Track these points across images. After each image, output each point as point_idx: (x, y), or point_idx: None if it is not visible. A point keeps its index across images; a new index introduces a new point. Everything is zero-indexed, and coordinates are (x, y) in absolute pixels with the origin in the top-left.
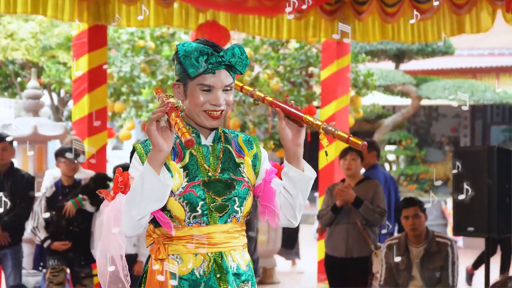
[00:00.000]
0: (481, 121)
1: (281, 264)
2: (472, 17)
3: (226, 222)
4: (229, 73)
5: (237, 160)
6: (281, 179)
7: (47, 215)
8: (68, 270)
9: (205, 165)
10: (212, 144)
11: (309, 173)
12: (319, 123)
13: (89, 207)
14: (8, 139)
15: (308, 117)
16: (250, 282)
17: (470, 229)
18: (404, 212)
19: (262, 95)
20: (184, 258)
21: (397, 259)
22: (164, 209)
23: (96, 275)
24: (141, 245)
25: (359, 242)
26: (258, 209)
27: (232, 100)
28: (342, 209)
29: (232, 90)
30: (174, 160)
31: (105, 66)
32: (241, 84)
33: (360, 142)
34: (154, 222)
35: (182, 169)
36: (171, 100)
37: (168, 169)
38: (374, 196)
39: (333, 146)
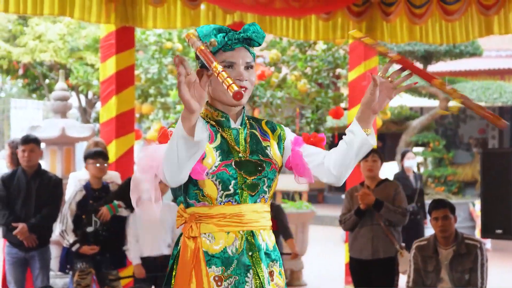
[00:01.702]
0: (510, 122)
1: (308, 265)
2: (501, 18)
3: (256, 202)
4: (249, 51)
5: (264, 143)
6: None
7: (76, 218)
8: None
9: (235, 147)
10: (240, 127)
11: (371, 140)
12: (451, 90)
13: (124, 212)
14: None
15: (439, 80)
16: (278, 262)
17: (498, 231)
18: (434, 214)
19: (385, 51)
20: (216, 236)
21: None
22: (197, 188)
23: (124, 277)
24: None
25: (384, 242)
26: (294, 173)
27: (255, 80)
28: (366, 212)
29: (254, 69)
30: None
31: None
32: (360, 35)
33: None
34: (185, 202)
35: (214, 149)
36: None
37: None
38: (395, 196)
39: None
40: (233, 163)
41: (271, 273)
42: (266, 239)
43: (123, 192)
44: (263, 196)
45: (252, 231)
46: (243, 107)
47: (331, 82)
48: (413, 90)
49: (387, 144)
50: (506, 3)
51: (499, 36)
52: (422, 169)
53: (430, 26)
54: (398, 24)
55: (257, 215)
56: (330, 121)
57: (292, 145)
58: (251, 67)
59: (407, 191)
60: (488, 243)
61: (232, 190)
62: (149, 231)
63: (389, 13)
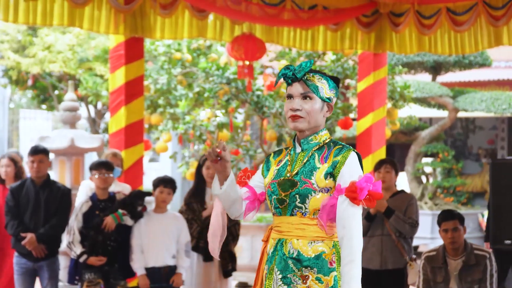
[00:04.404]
0: None
1: None
2: (510, 29)
3: (292, 215)
4: (306, 83)
5: (317, 165)
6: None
7: (83, 230)
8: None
9: (288, 168)
10: (301, 151)
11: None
12: None
13: (129, 221)
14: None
15: None
16: (315, 269)
17: (508, 241)
18: (443, 226)
19: None
20: (270, 240)
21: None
22: None
23: (132, 287)
24: (179, 257)
25: (393, 253)
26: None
27: (311, 109)
28: (376, 218)
29: (313, 100)
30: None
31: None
32: None
33: None
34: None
35: (275, 170)
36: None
37: (269, 168)
38: (407, 208)
39: (369, 159)
40: (277, 182)
41: (304, 277)
42: (303, 247)
43: (128, 202)
44: (299, 211)
45: (283, 239)
46: (314, 133)
47: (340, 93)
48: (422, 101)
49: (396, 154)
50: None
51: (509, 46)
52: (431, 180)
53: (439, 37)
54: (407, 35)
55: (291, 226)
56: (339, 132)
57: (335, 191)
58: (309, 97)
59: None
60: None
61: (273, 204)
62: (154, 241)
63: (398, 24)
